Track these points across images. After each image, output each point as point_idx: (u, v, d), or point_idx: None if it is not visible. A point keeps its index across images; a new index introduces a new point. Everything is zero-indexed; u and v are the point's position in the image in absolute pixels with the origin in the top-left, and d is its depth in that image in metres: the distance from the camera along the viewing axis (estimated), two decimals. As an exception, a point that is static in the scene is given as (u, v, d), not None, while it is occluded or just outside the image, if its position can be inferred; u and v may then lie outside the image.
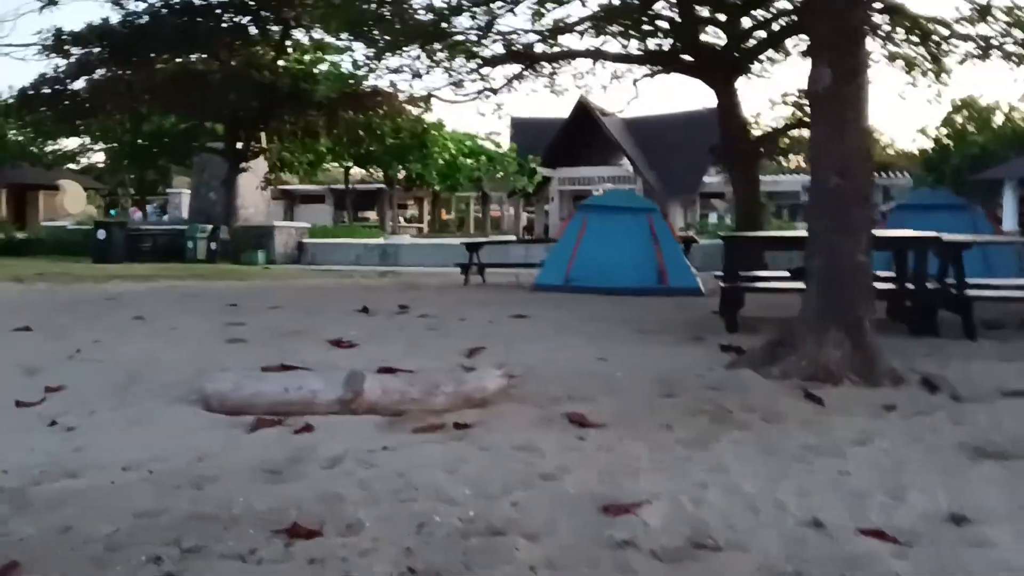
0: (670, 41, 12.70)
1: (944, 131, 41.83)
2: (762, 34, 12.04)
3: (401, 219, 47.43)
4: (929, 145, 42.02)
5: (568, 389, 4.25)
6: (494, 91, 16.47)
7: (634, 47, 13.40)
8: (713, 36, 12.71)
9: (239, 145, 22.12)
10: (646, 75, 14.48)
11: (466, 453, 3.33)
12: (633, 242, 9.87)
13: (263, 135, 22.93)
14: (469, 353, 5.30)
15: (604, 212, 10.20)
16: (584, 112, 43.62)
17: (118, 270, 15.51)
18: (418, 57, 16.26)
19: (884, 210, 10.55)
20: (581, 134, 46.49)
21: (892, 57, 12.96)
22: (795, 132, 21.84)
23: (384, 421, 3.81)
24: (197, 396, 4.17)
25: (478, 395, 3.94)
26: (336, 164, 39.28)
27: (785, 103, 13.51)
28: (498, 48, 15.51)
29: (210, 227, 21.08)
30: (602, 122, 44.66)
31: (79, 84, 21.22)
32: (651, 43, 12.89)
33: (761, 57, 12.51)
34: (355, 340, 5.81)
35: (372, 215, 52.68)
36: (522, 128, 43.76)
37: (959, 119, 41.63)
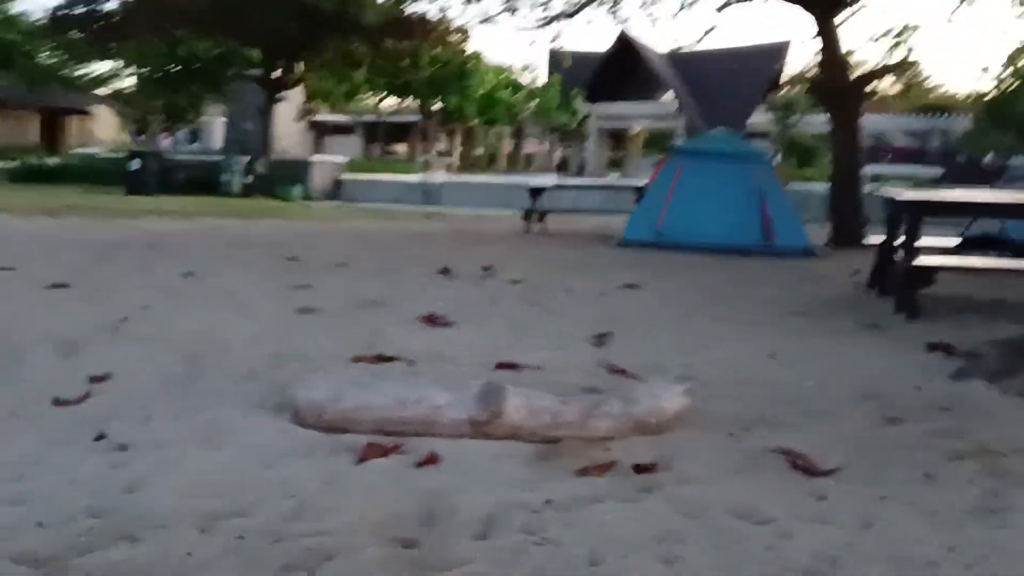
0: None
1: (1009, 71, 39.45)
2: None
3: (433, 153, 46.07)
4: (990, 87, 39.62)
5: (753, 407, 3.28)
6: (556, 17, 15.21)
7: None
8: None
9: (277, 73, 20.98)
10: (727, 2, 13.14)
11: (669, 520, 2.37)
12: (734, 193, 8.71)
13: (302, 63, 21.74)
14: (596, 340, 4.34)
15: (701, 159, 9.03)
16: (626, 46, 41.85)
17: (153, 204, 14.63)
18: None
19: (999, 164, 9.07)
20: (622, 69, 44.78)
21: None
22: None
23: (531, 452, 2.86)
24: (281, 399, 3.26)
25: (653, 420, 2.98)
26: (371, 95, 37.92)
27: (888, 39, 12.01)
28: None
29: (246, 159, 20.11)
30: (645, 56, 42.90)
31: (112, 5, 20.12)
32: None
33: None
34: (447, 316, 4.85)
35: (403, 148, 51.43)
36: (560, 62, 41.98)
37: (1025, 61, 39.24)
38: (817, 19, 10.93)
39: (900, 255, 5.33)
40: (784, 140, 36.33)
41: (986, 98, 41.42)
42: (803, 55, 60.46)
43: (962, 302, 5.33)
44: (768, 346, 4.16)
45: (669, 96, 45.92)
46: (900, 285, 5.04)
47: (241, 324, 4.57)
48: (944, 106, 39.82)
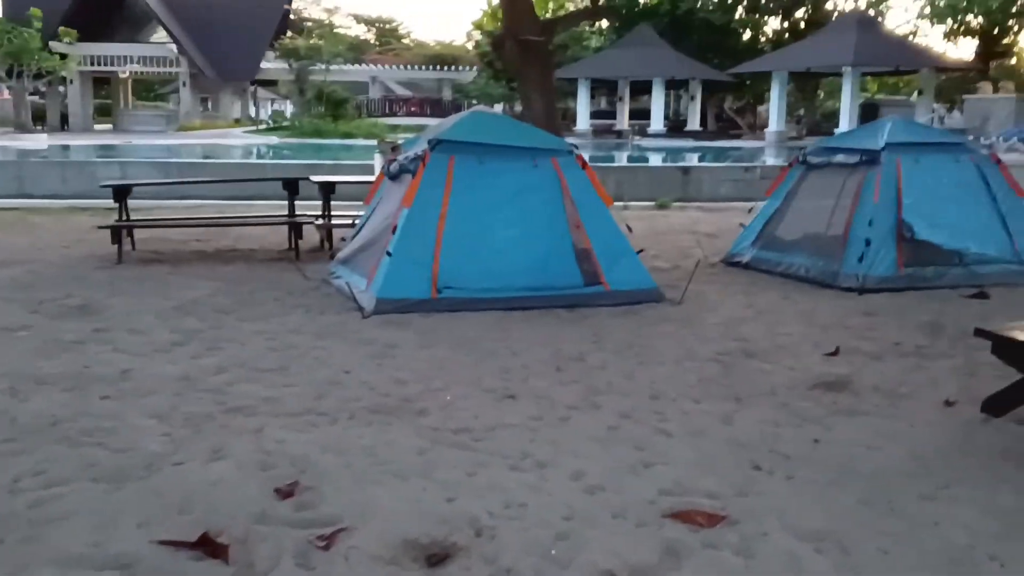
0: None
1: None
2: None
3: None
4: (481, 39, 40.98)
5: None
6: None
7: None
8: None
9: None
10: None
11: None
12: (536, 209, 5.44)
13: None
14: None
15: (476, 155, 5.36)
16: (106, -24, 34.60)
17: None
18: None
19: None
20: (105, 2, 37.25)
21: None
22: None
23: None
24: None
25: None
26: None
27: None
28: None
29: None
30: (131, -11, 36.14)
31: None
32: None
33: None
34: None
35: None
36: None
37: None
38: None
39: None
40: (312, 90, 32.95)
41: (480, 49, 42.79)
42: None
43: None
44: None
45: (164, 36, 39.60)
46: None
47: None
48: (449, 58, 40.13)
